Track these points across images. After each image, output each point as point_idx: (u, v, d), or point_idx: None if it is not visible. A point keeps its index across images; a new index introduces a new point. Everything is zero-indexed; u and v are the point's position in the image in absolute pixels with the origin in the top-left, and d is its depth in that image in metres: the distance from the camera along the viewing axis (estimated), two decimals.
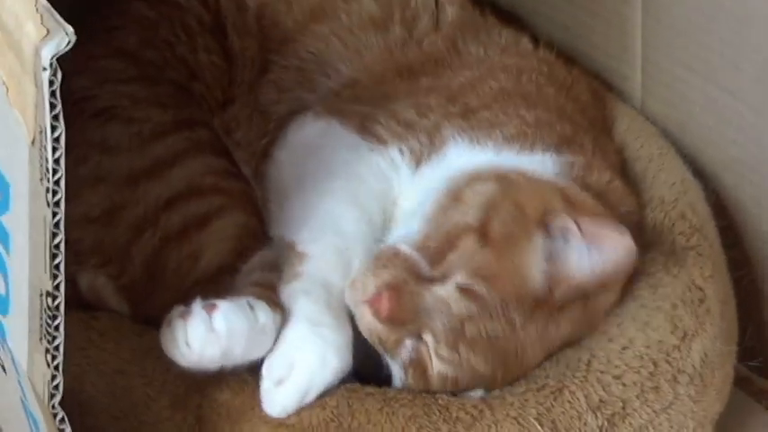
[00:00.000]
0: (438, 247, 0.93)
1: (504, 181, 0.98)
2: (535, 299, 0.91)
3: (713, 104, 1.18)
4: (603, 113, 1.24)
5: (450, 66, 1.17)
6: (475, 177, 0.99)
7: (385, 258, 0.93)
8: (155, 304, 1.02)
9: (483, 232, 0.92)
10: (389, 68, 1.18)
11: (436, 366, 0.90)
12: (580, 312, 0.95)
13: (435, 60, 1.17)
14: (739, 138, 1.17)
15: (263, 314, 0.89)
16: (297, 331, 0.89)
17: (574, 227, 0.91)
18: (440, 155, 1.05)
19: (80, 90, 1.07)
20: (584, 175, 1.03)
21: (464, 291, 0.89)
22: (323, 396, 0.88)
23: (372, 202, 1.02)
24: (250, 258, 1.03)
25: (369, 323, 0.91)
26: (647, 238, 1.07)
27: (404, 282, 0.90)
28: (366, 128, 1.07)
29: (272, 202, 1.08)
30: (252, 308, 0.88)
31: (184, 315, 0.86)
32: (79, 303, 1.01)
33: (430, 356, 0.90)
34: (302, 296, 0.91)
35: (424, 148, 1.03)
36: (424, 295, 0.90)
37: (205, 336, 0.85)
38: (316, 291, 0.92)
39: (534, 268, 0.92)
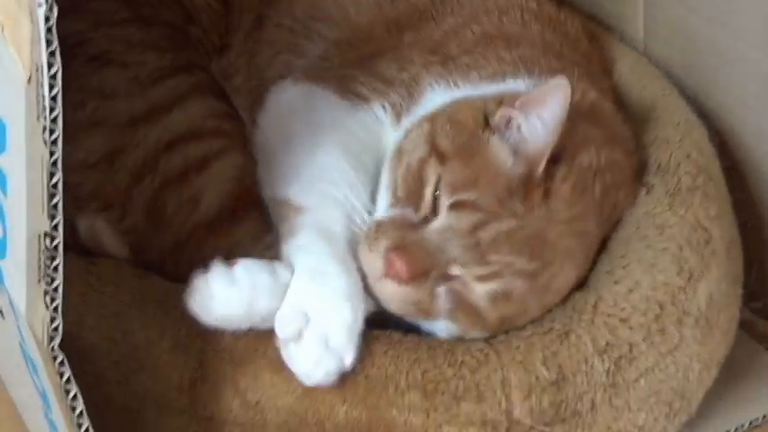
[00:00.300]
0: (411, 193, 0.92)
1: (433, 115, 0.98)
2: (524, 185, 0.90)
3: (716, 45, 1.17)
4: (600, 53, 1.23)
5: (434, 17, 1.16)
6: (408, 131, 1.00)
7: (372, 233, 0.91)
8: (154, 248, 1.02)
9: (436, 154, 0.92)
10: (378, 24, 1.17)
11: (480, 290, 0.89)
12: (576, 182, 0.94)
13: (420, 12, 1.17)
14: (742, 79, 1.16)
15: (284, 270, 0.88)
16: (300, 283, 0.87)
17: (512, 111, 0.92)
18: (418, 105, 1.04)
19: (74, 35, 1.06)
20: None
21: (456, 207, 0.88)
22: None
23: (363, 152, 1.01)
24: (248, 202, 1.02)
25: (396, 294, 0.89)
26: (651, 178, 1.06)
27: (402, 237, 0.89)
28: (347, 88, 1.06)
29: (261, 167, 1.06)
30: (272, 264, 0.88)
31: (206, 272, 0.86)
32: (78, 249, 1.00)
33: (469, 288, 0.89)
34: (301, 252, 0.90)
35: (404, 102, 1.03)
36: (426, 236, 0.89)
37: (227, 288, 0.85)
38: (316, 243, 0.91)
39: (503, 160, 0.91)
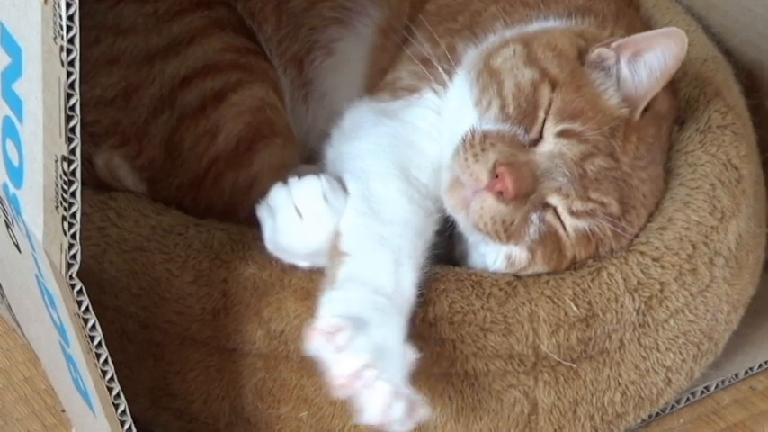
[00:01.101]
0: (523, 113, 0.88)
1: (523, 38, 0.95)
2: (623, 125, 0.88)
3: None
4: None
5: None
6: (491, 51, 0.95)
7: (479, 143, 0.87)
8: (173, 184, 1.01)
9: (549, 79, 0.88)
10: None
11: (571, 226, 0.86)
12: (656, 127, 0.93)
13: None
14: (766, 13, 1.13)
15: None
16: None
17: (607, 52, 0.89)
18: (459, 67, 1.00)
19: None
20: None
21: (564, 134, 0.86)
22: None
23: (422, 158, 0.93)
24: (268, 134, 1.01)
25: (492, 210, 0.84)
26: (682, 114, 1.04)
27: (512, 155, 0.85)
28: (396, 90, 1.02)
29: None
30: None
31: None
32: (96, 185, 0.99)
33: (561, 220, 0.86)
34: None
35: (447, 72, 0.98)
36: (535, 159, 0.86)
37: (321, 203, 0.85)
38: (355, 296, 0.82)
39: (607, 95, 0.89)
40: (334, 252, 0.83)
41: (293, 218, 0.84)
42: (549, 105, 0.86)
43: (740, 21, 1.16)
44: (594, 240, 0.88)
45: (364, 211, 0.86)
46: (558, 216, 0.86)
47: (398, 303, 0.80)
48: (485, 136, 0.86)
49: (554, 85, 0.87)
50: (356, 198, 0.87)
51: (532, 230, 0.86)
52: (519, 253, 0.88)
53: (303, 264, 0.87)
